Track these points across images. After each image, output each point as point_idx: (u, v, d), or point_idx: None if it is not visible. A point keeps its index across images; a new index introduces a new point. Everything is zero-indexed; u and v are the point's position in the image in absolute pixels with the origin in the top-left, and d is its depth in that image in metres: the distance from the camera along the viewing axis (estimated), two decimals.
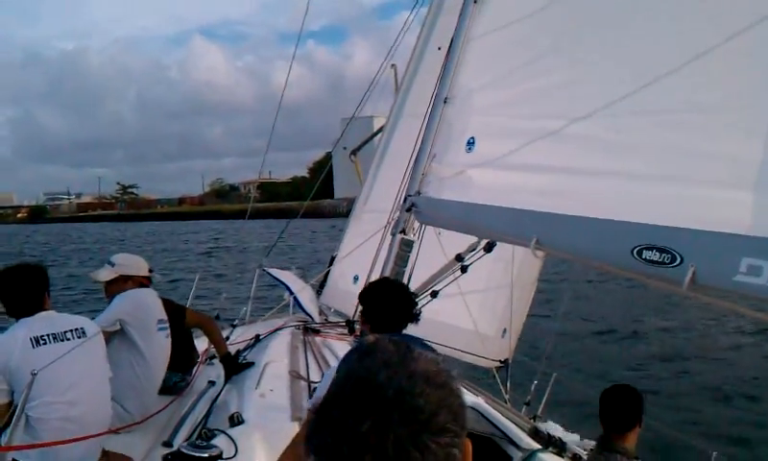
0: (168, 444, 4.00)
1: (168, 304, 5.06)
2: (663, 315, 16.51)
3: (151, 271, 5.00)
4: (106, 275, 4.76)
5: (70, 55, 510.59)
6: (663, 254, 2.81)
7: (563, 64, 3.90)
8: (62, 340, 3.67)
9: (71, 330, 3.75)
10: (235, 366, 5.02)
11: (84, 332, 3.79)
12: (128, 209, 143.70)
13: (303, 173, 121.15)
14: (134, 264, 4.88)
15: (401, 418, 0.94)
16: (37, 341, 3.58)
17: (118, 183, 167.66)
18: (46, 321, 3.72)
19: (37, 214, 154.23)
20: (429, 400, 0.97)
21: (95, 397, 3.78)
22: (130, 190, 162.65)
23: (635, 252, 2.90)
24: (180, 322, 5.16)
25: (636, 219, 3.01)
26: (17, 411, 3.36)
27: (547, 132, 3.74)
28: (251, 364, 5.03)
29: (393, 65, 9.99)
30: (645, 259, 2.86)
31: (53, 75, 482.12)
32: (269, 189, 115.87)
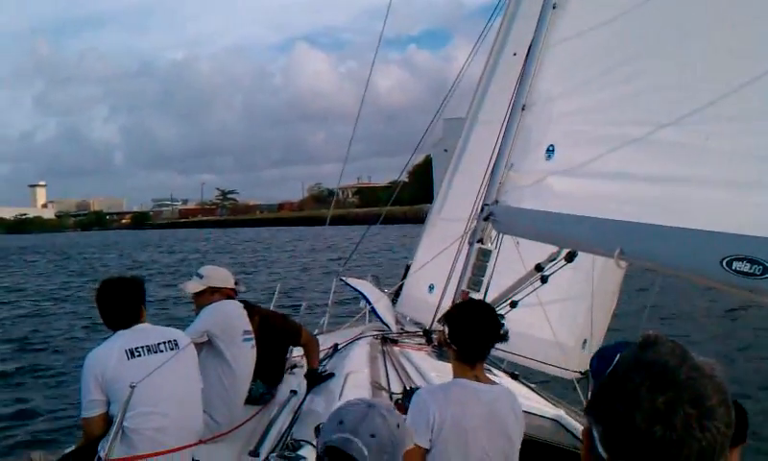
0: (255, 453, 4.08)
1: (281, 320, 5.36)
2: (757, 332, 15.74)
3: (236, 283, 5.12)
4: (194, 287, 4.89)
5: (179, 64, 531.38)
6: (755, 265, 2.70)
7: (646, 71, 3.80)
8: (156, 352, 3.79)
9: (164, 342, 3.86)
10: (317, 377, 5.08)
11: (176, 344, 3.90)
12: (228, 215, 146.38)
13: (404, 178, 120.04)
14: (221, 276, 5.01)
15: (690, 400, 1.07)
16: (132, 353, 3.72)
17: (218, 189, 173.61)
18: (141, 333, 3.85)
19: (140, 220, 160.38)
20: (713, 391, 1.10)
21: (187, 407, 3.87)
22: (229, 196, 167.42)
23: (724, 262, 2.80)
24: (293, 338, 5.41)
25: (725, 229, 2.90)
26: (117, 423, 3.47)
27: (631, 139, 3.65)
28: (331, 375, 5.08)
29: None
30: (735, 271, 2.76)
31: (163, 84, 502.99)
32: (367, 194, 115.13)
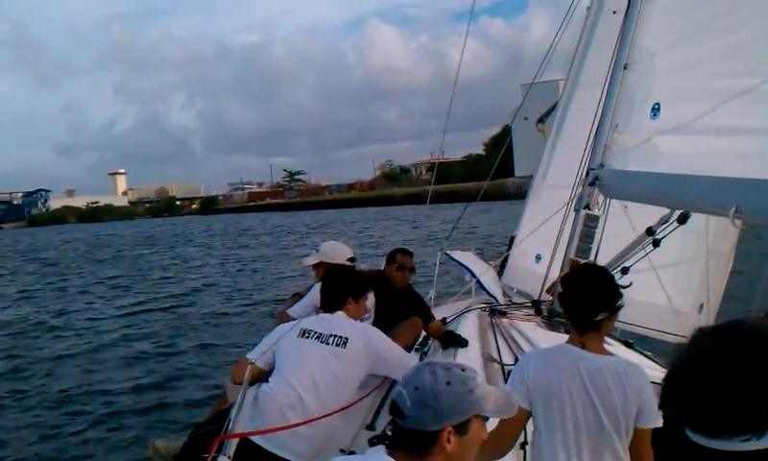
0: (371, 427, 4.12)
1: (420, 304, 5.42)
2: None
3: (353, 259, 5.25)
4: (309, 260, 5.21)
5: (253, 47, 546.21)
6: None
7: (751, 18, 3.62)
8: (324, 342, 3.94)
9: (335, 336, 3.96)
10: (453, 338, 5.13)
11: (345, 343, 3.96)
12: (297, 197, 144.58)
13: (478, 150, 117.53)
14: (336, 251, 5.25)
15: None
16: (305, 333, 3.96)
17: (285, 170, 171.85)
18: (322, 320, 4.06)
19: (208, 205, 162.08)
20: None
21: (325, 403, 3.92)
22: (297, 177, 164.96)
23: None
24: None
25: None
26: (240, 396, 3.69)
27: (741, 90, 3.48)
28: (465, 341, 5.04)
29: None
30: None
31: (238, 67, 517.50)
32: (441, 170, 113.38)
